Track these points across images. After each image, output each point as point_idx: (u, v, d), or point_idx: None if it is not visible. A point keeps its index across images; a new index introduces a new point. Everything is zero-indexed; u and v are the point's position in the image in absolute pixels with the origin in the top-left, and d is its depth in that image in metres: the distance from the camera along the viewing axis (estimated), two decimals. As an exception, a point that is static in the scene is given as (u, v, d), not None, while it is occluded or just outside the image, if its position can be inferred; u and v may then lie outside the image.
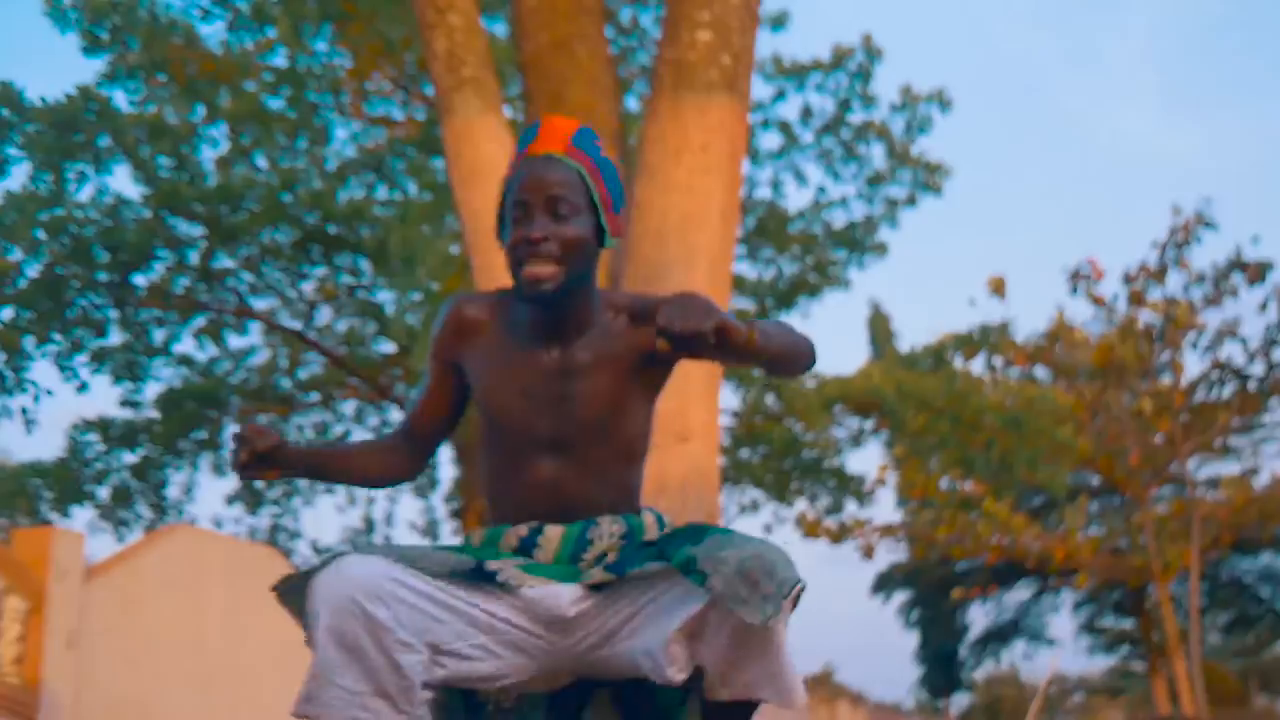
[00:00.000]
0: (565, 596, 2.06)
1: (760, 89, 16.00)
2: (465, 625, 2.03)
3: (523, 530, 2.16)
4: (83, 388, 13.28)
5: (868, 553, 17.36)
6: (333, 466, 2.30)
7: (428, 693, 2.00)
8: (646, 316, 2.12)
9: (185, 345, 14.77)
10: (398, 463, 2.32)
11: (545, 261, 2.07)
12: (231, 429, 1.94)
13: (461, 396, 2.29)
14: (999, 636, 33.96)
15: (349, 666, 1.96)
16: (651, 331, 2.04)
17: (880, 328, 30.18)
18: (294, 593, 2.10)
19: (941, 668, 35.49)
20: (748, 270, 16.69)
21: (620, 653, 2.01)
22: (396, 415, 16.09)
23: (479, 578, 2.07)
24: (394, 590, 1.98)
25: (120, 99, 13.04)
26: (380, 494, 16.90)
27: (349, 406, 16.33)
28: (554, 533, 2.14)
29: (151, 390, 14.44)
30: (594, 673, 2.11)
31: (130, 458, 14.36)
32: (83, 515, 14.30)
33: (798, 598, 1.87)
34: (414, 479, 2.39)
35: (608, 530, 2.14)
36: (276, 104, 13.71)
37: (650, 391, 2.22)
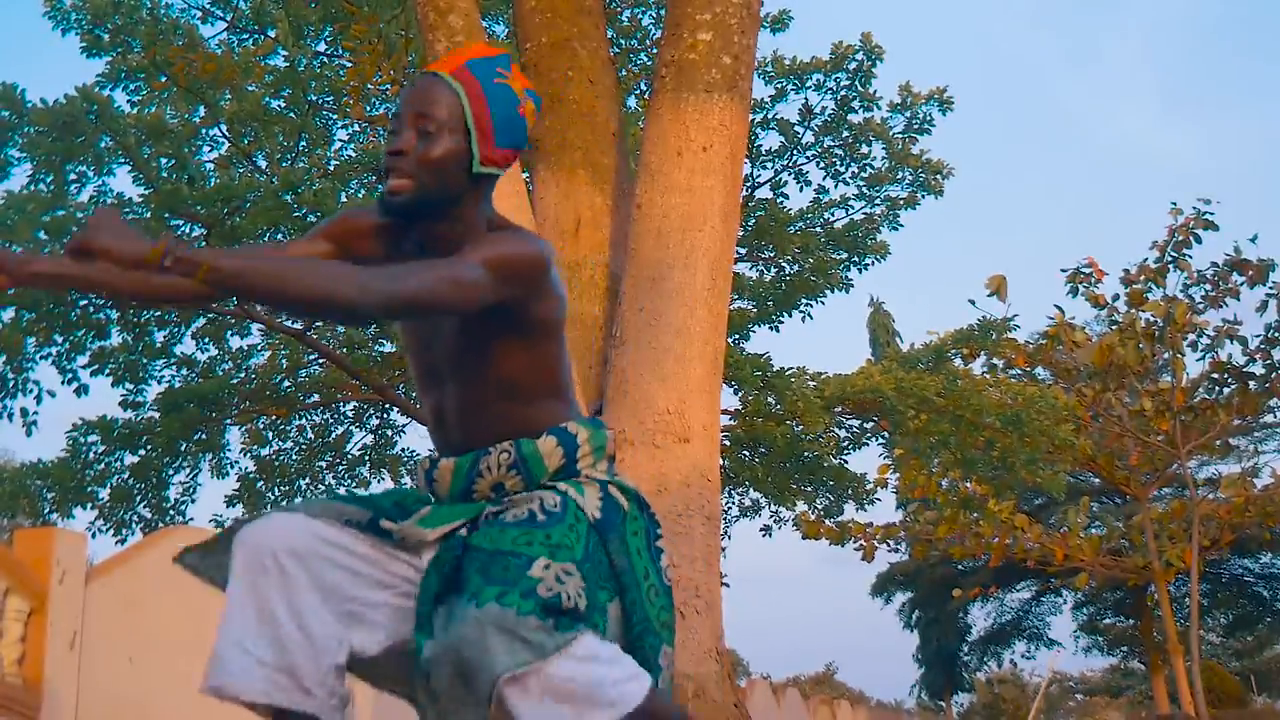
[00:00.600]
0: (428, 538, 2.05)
1: (761, 89, 16.05)
2: (374, 583, 2.05)
3: (426, 463, 2.20)
4: (83, 390, 13.28)
5: (868, 555, 17.31)
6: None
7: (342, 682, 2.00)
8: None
9: (186, 347, 14.81)
10: None
11: (400, 175, 2.06)
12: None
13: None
14: (999, 637, 33.96)
15: (261, 632, 1.95)
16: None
17: (881, 326, 30.18)
18: (210, 555, 2.11)
19: (942, 668, 35.48)
20: (748, 271, 16.71)
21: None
22: (397, 416, 16.08)
23: (377, 532, 2.07)
24: (314, 547, 1.99)
25: (121, 100, 13.07)
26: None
27: (349, 408, 16.35)
28: (446, 466, 2.14)
29: (152, 392, 14.48)
30: None
31: (131, 459, 14.36)
32: (84, 516, 14.32)
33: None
34: None
35: (497, 459, 2.10)
36: (277, 105, 13.73)
37: (517, 334, 2.10)
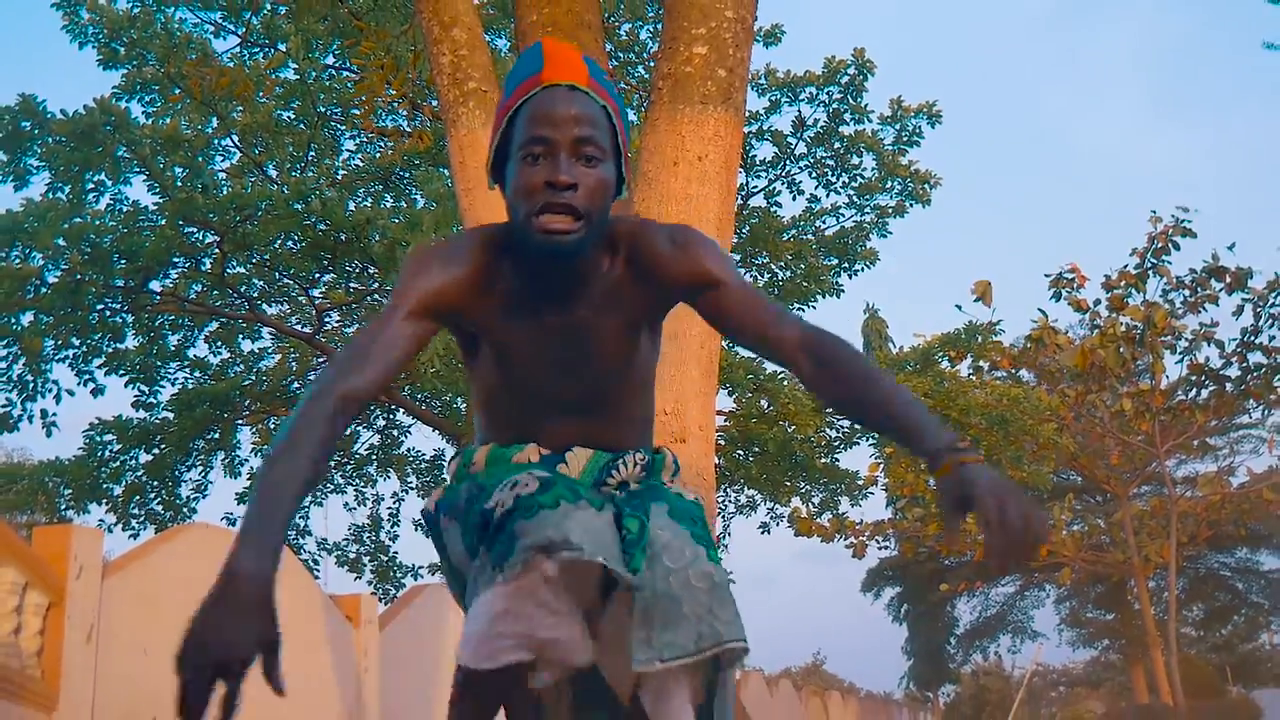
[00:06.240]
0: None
1: (755, 101, 16.49)
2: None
3: (538, 451, 2.05)
4: (99, 391, 13.66)
5: (859, 552, 17.71)
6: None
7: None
8: (653, 267, 1.93)
9: (199, 349, 15.21)
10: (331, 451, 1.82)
11: (566, 213, 1.78)
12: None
13: (415, 351, 1.88)
14: (985, 630, 34.41)
15: None
16: (657, 288, 1.95)
17: (875, 331, 30.58)
18: None
19: (930, 660, 35.90)
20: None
21: None
22: (403, 417, 16.46)
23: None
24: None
25: (137, 111, 13.44)
26: (387, 494, 17.23)
27: (355, 409, 16.68)
28: (583, 454, 2.04)
29: (166, 393, 14.86)
30: None
31: (145, 457, 14.72)
32: (97, 512, 14.67)
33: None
34: None
35: (633, 460, 2.07)
36: (287, 116, 14.12)
37: (656, 324, 2.09)
